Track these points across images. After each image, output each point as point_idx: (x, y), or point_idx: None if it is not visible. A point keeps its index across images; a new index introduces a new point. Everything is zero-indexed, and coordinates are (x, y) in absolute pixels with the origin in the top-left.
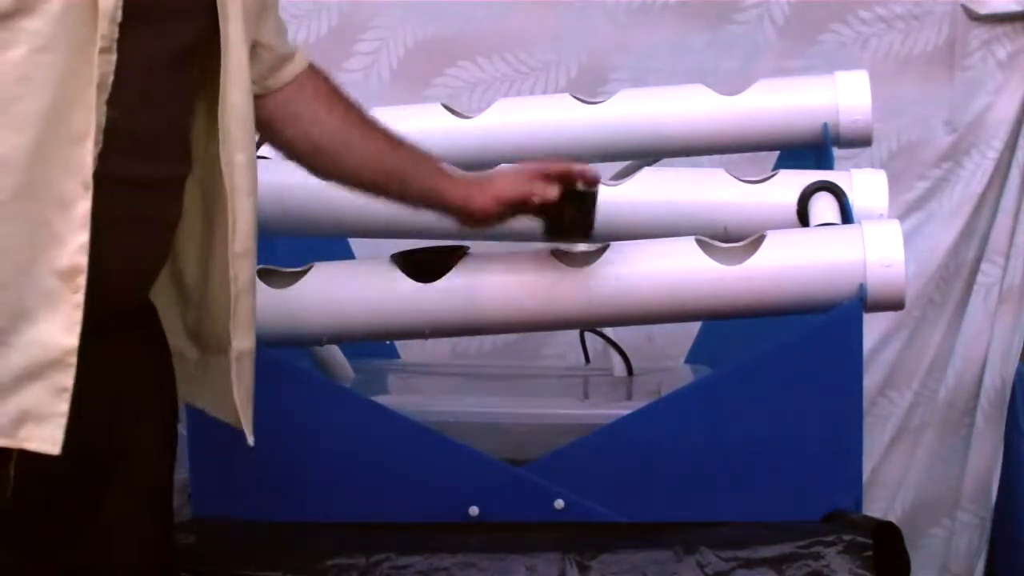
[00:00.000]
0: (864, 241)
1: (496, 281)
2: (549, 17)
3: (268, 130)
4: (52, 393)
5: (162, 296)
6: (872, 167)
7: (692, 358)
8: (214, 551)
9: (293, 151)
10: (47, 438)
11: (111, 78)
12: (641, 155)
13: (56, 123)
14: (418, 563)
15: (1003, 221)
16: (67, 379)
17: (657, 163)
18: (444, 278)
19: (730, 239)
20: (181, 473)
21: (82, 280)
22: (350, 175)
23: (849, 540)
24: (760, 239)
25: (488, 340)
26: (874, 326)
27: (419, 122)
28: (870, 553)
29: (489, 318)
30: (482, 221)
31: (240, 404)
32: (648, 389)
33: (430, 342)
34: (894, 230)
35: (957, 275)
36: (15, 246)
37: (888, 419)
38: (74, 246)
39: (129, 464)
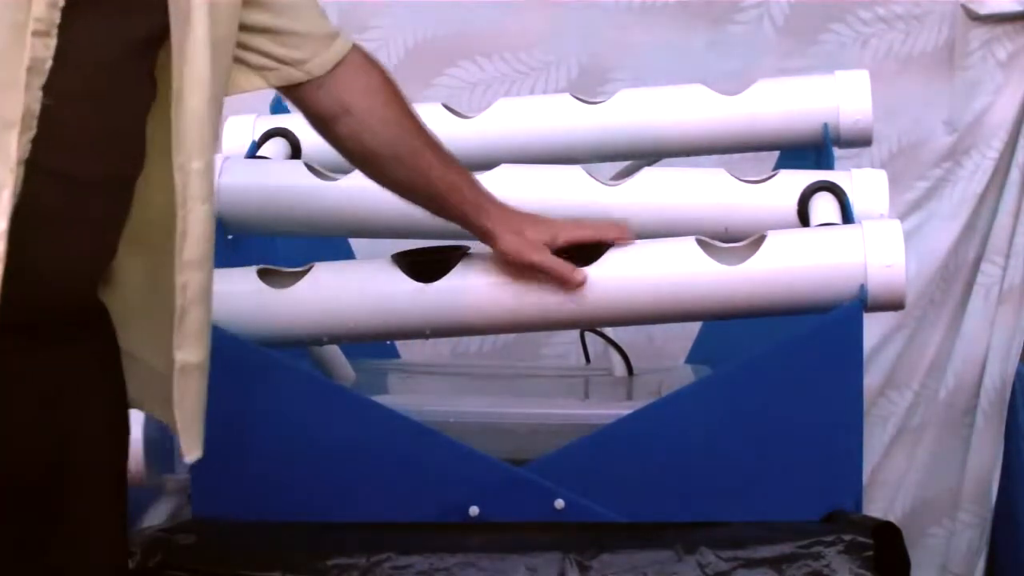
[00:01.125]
0: (864, 241)
1: (496, 281)
2: (549, 17)
3: (320, 124)
4: None
5: (138, 303)
6: (872, 167)
7: (692, 358)
8: (214, 551)
9: (343, 149)
10: None
11: (48, 63)
12: (641, 155)
13: None
14: (418, 563)
15: (1003, 221)
16: None
17: (657, 163)
18: (444, 278)
19: (730, 239)
20: (181, 473)
21: None
22: (394, 185)
23: (849, 540)
24: (760, 239)
25: (488, 340)
26: (874, 326)
27: None
28: (870, 553)
29: (489, 318)
30: (501, 253)
31: (181, 420)
32: (648, 389)
33: (430, 342)
34: (894, 230)
35: (957, 275)
36: None
37: (888, 419)
38: None
39: (78, 470)
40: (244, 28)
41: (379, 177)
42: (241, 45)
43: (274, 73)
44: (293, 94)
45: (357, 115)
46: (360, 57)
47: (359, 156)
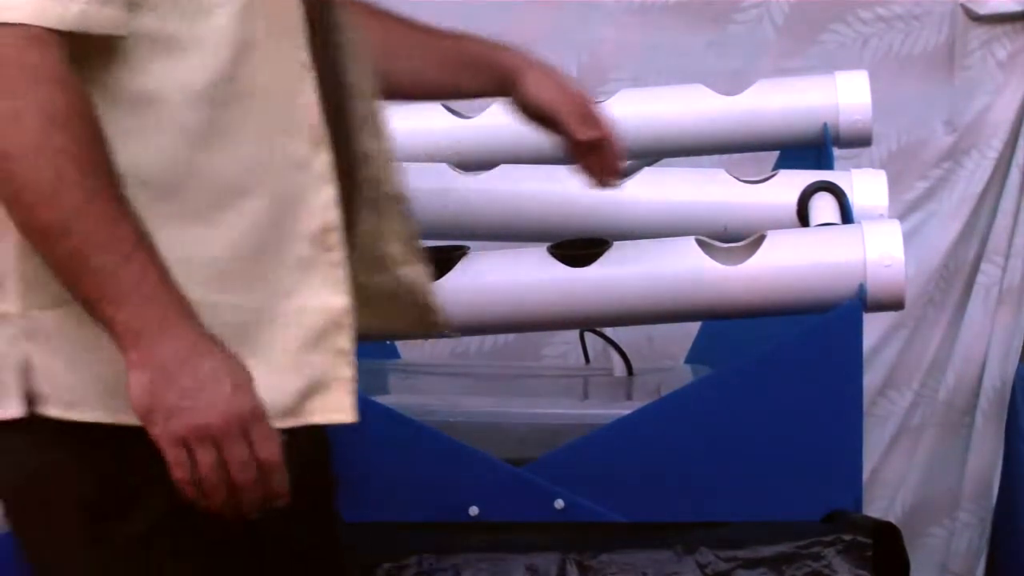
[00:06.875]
0: (864, 241)
1: (496, 281)
2: (549, 17)
3: None
4: (333, 356)
5: None
6: (872, 167)
7: (692, 358)
8: None
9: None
10: (334, 406)
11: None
12: (641, 155)
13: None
14: (418, 563)
15: (1003, 221)
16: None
17: (657, 163)
18: (445, 278)
19: (730, 239)
20: None
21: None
22: (412, 82)
23: (849, 540)
24: (760, 239)
25: (488, 340)
26: (874, 326)
27: (419, 122)
28: (870, 553)
29: (489, 318)
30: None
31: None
32: (648, 389)
33: (430, 342)
34: (894, 230)
35: (957, 275)
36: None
37: (888, 419)
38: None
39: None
40: None
41: (399, 81)
42: None
43: None
44: None
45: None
46: None
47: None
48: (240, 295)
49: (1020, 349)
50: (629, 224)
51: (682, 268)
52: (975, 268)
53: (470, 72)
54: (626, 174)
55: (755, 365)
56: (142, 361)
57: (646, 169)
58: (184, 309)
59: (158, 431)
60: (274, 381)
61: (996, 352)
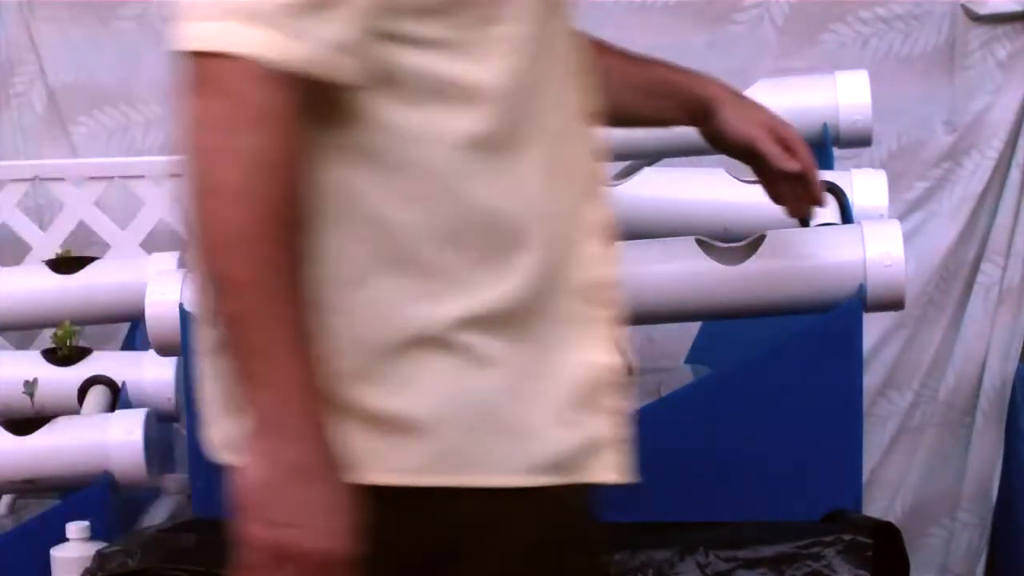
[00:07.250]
0: (864, 241)
1: None
2: None
3: None
4: (601, 415)
5: None
6: (872, 167)
7: (692, 358)
8: (214, 551)
9: None
10: (603, 466)
11: None
12: (641, 155)
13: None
14: None
15: (1003, 221)
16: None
17: (657, 163)
18: None
19: (730, 239)
20: (181, 473)
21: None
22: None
23: (849, 540)
24: (760, 239)
25: None
26: (874, 326)
27: None
28: (870, 553)
29: None
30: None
31: None
32: (648, 389)
33: None
34: (894, 230)
35: (957, 275)
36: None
37: (888, 419)
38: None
39: None
40: None
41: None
42: None
43: None
44: None
45: None
46: None
47: None
48: (512, 345)
49: (1020, 349)
50: (629, 224)
51: (682, 268)
52: (975, 268)
53: (668, 101)
54: (626, 174)
55: (755, 365)
56: (270, 456)
57: (646, 169)
58: (323, 420)
59: (254, 529)
60: (546, 436)
61: (996, 352)
